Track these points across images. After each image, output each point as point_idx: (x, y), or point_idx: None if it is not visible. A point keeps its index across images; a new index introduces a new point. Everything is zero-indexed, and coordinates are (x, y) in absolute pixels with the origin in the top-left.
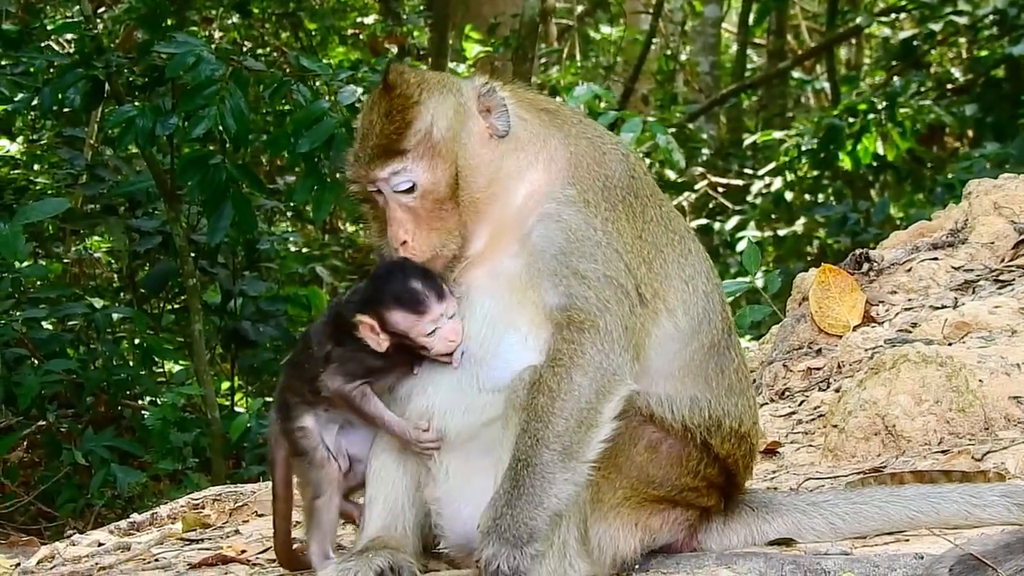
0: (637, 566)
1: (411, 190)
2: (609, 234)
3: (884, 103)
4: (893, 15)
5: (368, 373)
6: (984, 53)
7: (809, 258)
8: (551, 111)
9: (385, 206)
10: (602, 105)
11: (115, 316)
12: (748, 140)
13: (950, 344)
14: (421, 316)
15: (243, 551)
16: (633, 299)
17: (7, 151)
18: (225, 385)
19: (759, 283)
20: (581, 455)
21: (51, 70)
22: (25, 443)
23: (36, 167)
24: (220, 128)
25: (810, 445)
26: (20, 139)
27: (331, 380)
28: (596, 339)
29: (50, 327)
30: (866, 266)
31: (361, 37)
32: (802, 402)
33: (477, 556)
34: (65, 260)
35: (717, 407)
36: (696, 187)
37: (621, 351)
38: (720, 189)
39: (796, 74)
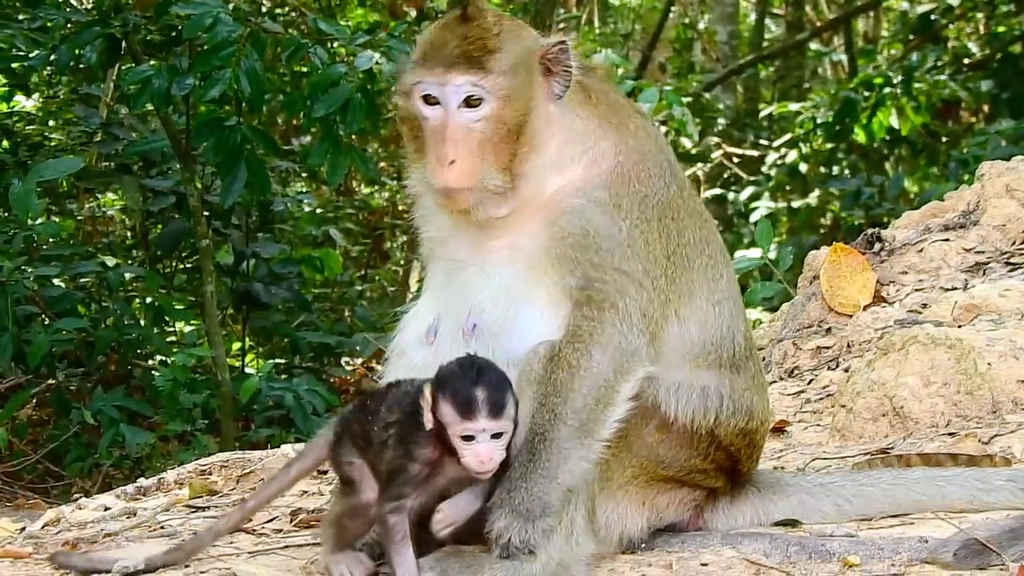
0: (643, 544)
1: (479, 107)
2: (634, 240)
3: (900, 77)
4: None
5: (415, 477)
6: (1001, 29)
7: (822, 230)
8: (615, 108)
9: (437, 123)
10: (619, 72)
11: (127, 275)
12: (764, 111)
13: (959, 326)
14: (463, 419)
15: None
16: (650, 293)
17: (23, 107)
18: (236, 346)
19: (771, 256)
20: (596, 433)
21: (68, 27)
22: (34, 401)
23: (51, 123)
24: (236, 89)
25: (818, 425)
26: (36, 95)
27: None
28: (615, 318)
29: (62, 285)
30: (877, 246)
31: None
32: (811, 381)
33: (488, 528)
34: (78, 218)
35: (724, 406)
36: (711, 157)
37: (639, 333)
38: (735, 159)
39: (814, 46)
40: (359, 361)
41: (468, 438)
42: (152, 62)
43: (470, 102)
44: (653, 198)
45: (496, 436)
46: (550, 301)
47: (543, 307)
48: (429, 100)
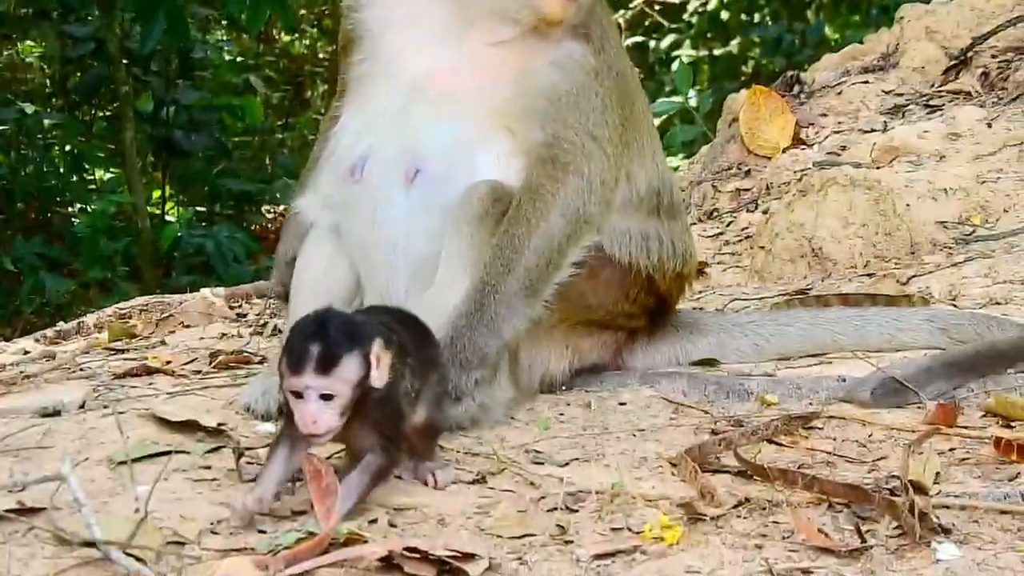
0: (564, 386)
1: None
2: (606, 107)
3: None
4: None
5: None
6: None
7: (743, 78)
8: None
9: None
10: None
11: (46, 122)
12: None
13: (878, 168)
14: (290, 373)
15: (168, 362)
16: (610, 161)
17: None
18: (156, 194)
19: (692, 103)
20: (541, 293)
21: None
22: None
23: None
24: None
25: (737, 266)
26: None
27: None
28: (579, 184)
29: None
30: (797, 88)
31: None
32: (730, 223)
33: None
34: None
35: (664, 249)
36: (632, 4)
37: (597, 201)
38: (656, 6)
39: None
40: (280, 209)
41: (297, 395)
42: None
43: None
44: (618, 64)
45: (326, 397)
46: (511, 153)
47: (499, 157)
48: None
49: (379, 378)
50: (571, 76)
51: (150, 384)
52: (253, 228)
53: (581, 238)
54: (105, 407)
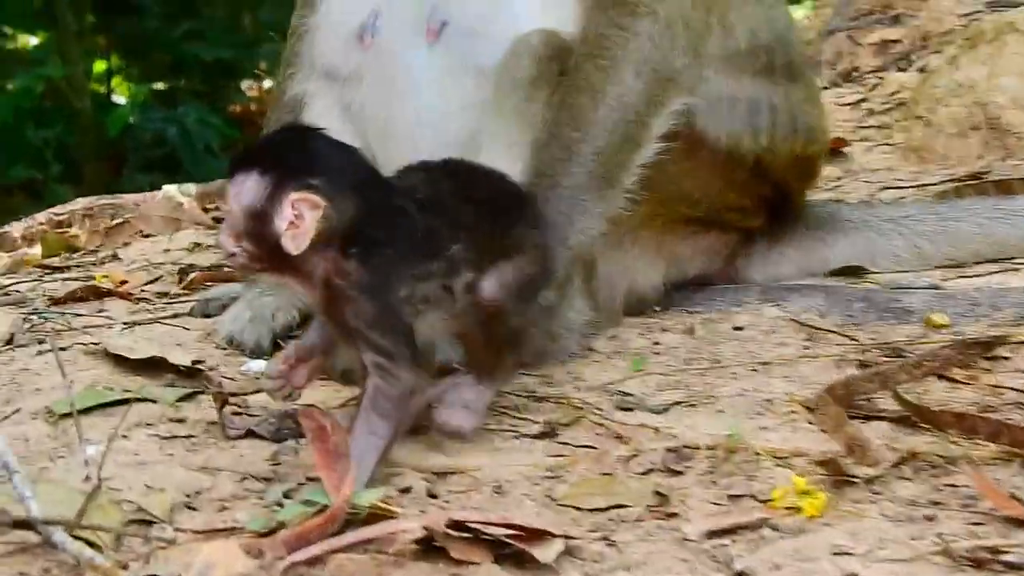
0: (658, 306)
1: None
2: None
3: None
4: None
5: None
6: None
7: None
8: None
9: None
10: None
11: None
12: None
13: None
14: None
15: (123, 282)
16: None
17: None
18: (99, 66)
19: None
20: (619, 181)
21: None
22: None
23: None
24: None
25: (886, 143)
26: None
27: None
28: (653, 30)
29: None
30: None
31: None
32: (875, 86)
33: None
34: None
35: (778, 121)
36: None
37: (682, 50)
38: None
39: None
40: (266, 84)
41: None
42: None
43: None
44: None
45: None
46: None
47: (548, 1)
48: None
49: (292, 239)
50: None
51: (100, 311)
52: (230, 109)
53: (665, 101)
54: (40, 342)
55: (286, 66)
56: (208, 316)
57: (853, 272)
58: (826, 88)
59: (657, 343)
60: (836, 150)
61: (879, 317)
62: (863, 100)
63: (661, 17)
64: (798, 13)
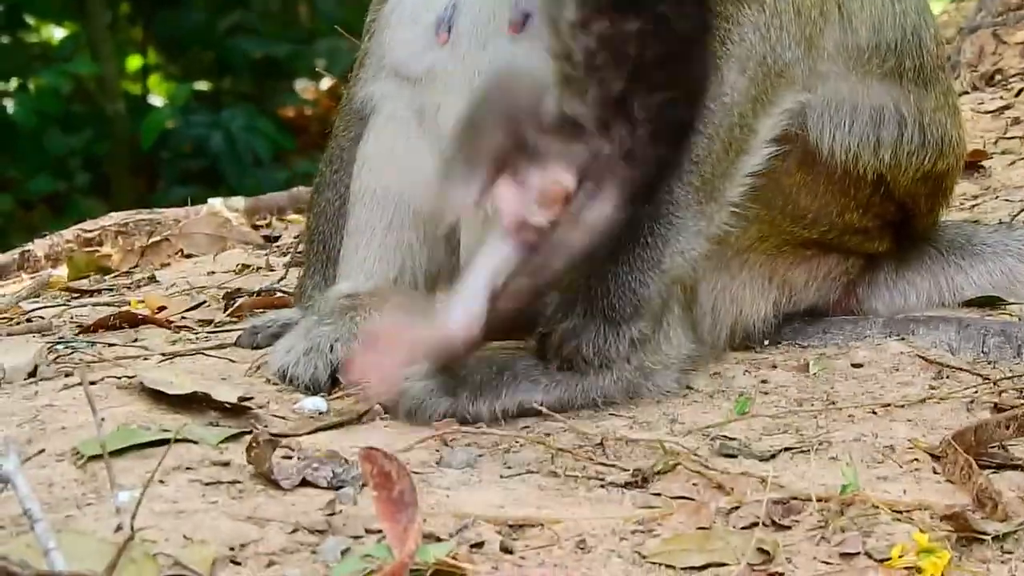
0: (768, 339)
1: None
2: None
3: None
4: None
5: None
6: None
7: None
8: None
9: None
10: None
11: None
12: None
13: None
14: None
15: (161, 308)
16: None
17: None
18: (134, 63)
19: None
20: (723, 193)
21: None
22: None
23: None
24: None
25: None
26: None
27: None
28: (759, 18)
29: None
30: None
31: None
32: (1021, 91)
33: (546, 328)
34: None
35: (905, 133)
36: None
37: (792, 40)
38: None
39: None
40: (324, 84)
41: None
42: None
43: None
44: None
45: None
46: None
47: None
48: None
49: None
50: None
51: (135, 341)
52: (282, 113)
53: (775, 99)
54: (67, 375)
55: (358, 66)
56: (257, 347)
57: (990, 303)
58: (965, 93)
59: (765, 381)
60: (974, 164)
61: (1017, 354)
62: (1007, 107)
63: (769, 4)
64: (936, 7)
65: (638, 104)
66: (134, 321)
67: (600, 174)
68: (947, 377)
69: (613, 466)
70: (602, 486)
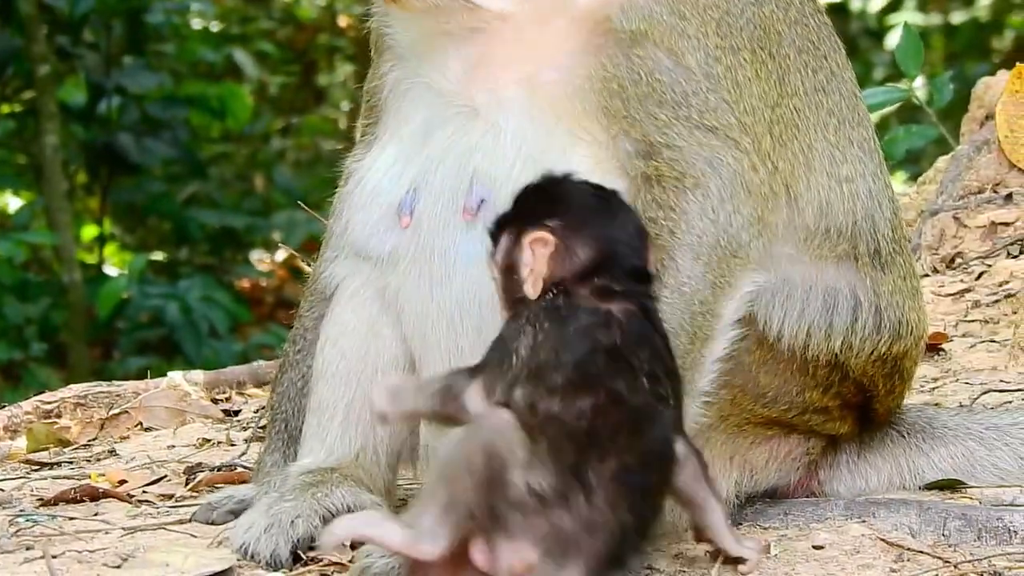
0: (729, 518)
1: None
2: (717, 79)
3: None
4: None
5: None
6: None
7: (996, 59)
8: None
9: None
10: None
11: None
12: None
13: None
14: None
15: (122, 481)
16: (753, 156)
17: None
18: (90, 232)
19: (919, 92)
20: (693, 385)
21: None
22: None
23: None
24: None
25: (991, 340)
26: None
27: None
28: (706, 203)
29: None
30: None
31: None
32: (981, 275)
33: None
34: None
35: (860, 316)
36: None
37: (744, 220)
38: None
39: None
40: (279, 256)
41: None
42: None
43: None
44: (739, 16)
45: None
46: (596, 167)
47: (586, 175)
48: None
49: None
50: (643, 52)
51: (95, 515)
52: (239, 284)
53: (734, 282)
54: (28, 548)
55: (324, 246)
56: (213, 523)
57: (951, 486)
58: (926, 275)
59: (725, 563)
60: (934, 347)
61: (978, 537)
62: (967, 290)
63: (713, 186)
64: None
65: (593, 473)
66: (95, 495)
67: (563, 547)
68: (908, 560)
69: None
70: None
